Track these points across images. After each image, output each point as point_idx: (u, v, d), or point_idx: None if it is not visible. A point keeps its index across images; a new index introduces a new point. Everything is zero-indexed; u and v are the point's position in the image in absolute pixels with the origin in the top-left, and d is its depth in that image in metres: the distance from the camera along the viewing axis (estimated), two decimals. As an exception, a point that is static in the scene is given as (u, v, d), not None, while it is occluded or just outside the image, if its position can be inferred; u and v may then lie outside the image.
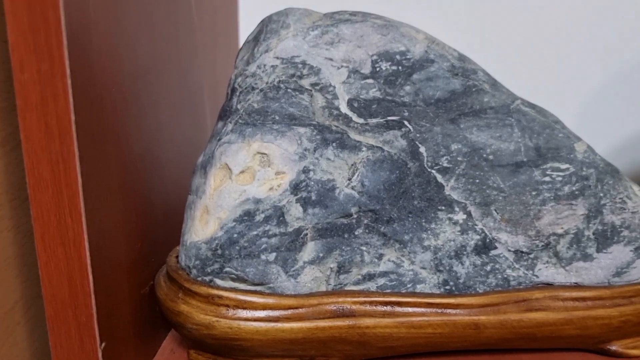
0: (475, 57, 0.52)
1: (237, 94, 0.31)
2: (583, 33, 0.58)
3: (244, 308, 0.30)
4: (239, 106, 0.30)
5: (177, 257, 0.32)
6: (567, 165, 0.31)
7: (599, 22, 0.57)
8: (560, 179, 0.31)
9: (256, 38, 0.32)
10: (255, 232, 0.29)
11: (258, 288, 0.30)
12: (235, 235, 0.29)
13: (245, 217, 0.29)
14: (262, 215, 0.29)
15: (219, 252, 0.29)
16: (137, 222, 0.30)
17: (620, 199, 0.32)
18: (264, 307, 0.30)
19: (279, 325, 0.30)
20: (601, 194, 0.31)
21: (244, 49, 0.33)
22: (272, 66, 0.30)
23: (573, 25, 0.57)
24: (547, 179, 0.31)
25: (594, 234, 0.32)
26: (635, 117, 0.60)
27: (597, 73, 0.59)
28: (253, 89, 0.30)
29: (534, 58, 0.58)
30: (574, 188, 0.31)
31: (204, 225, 0.30)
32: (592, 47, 0.58)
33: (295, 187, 0.30)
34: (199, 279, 0.30)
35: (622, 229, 0.32)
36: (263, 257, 0.29)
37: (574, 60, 0.59)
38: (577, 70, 0.58)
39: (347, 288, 0.31)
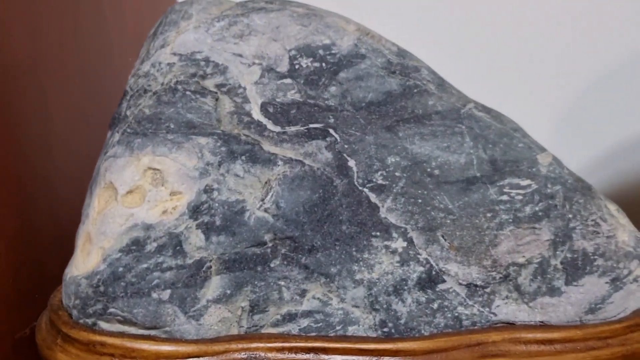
0: (450, 62, 0.46)
1: (128, 98, 0.26)
2: (563, 35, 0.52)
3: (132, 357, 0.24)
4: (128, 112, 0.25)
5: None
6: (528, 182, 0.26)
7: (580, 24, 0.52)
8: (520, 197, 0.26)
9: (155, 32, 0.26)
10: (145, 265, 0.24)
11: (152, 332, 0.25)
12: (120, 269, 0.24)
13: (133, 247, 0.24)
14: (154, 245, 0.24)
15: (102, 289, 0.24)
16: (7, 252, 0.25)
17: (592, 220, 0.26)
18: (157, 356, 0.24)
19: (175, 379, 0.24)
20: (570, 216, 0.26)
21: (144, 45, 0.27)
22: (169, 64, 0.25)
23: (553, 27, 0.52)
24: (504, 197, 0.26)
25: (562, 263, 0.26)
26: (619, 124, 0.54)
27: (577, 77, 0.54)
28: (145, 91, 0.25)
29: (508, 62, 0.53)
30: (537, 209, 0.26)
31: (85, 256, 0.25)
32: (573, 50, 0.53)
33: (194, 210, 0.24)
34: (81, 321, 0.25)
35: (596, 256, 0.26)
36: (155, 295, 0.24)
37: (551, 63, 0.53)
38: (555, 74, 0.53)
39: (264, 331, 0.26)
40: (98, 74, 0.31)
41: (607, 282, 0.27)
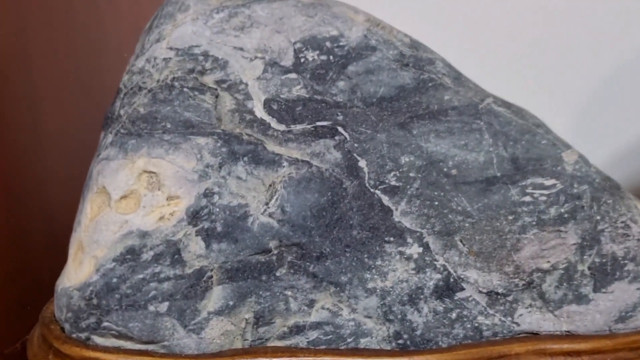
0: (464, 59, 0.44)
1: (121, 96, 0.24)
2: (578, 31, 0.51)
3: (128, 375, 0.22)
4: (121, 112, 0.23)
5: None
6: (553, 181, 0.24)
7: (593, 20, 0.50)
8: (544, 198, 0.24)
9: (150, 26, 0.25)
10: (141, 276, 0.22)
11: (149, 347, 0.23)
12: (114, 280, 0.22)
13: (128, 256, 0.22)
14: (151, 253, 0.22)
15: (95, 301, 0.22)
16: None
17: (622, 222, 0.24)
18: (155, 373, 0.22)
19: (174, 397, 0.22)
20: (598, 217, 0.24)
21: (139, 40, 0.26)
22: (165, 59, 0.23)
23: (567, 24, 0.50)
24: (527, 198, 0.24)
25: (589, 268, 0.24)
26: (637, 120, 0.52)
27: (595, 72, 0.52)
28: (140, 89, 0.23)
29: (524, 59, 0.51)
30: (562, 210, 0.24)
31: (77, 266, 0.23)
32: (589, 45, 0.51)
33: (194, 216, 0.23)
34: (73, 335, 0.23)
35: (626, 261, 0.24)
36: (152, 307, 0.22)
37: (569, 59, 0.51)
38: (573, 69, 0.51)
39: (270, 344, 0.24)
40: (92, 71, 0.29)
41: (638, 289, 0.25)
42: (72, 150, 0.29)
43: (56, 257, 0.29)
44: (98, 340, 0.24)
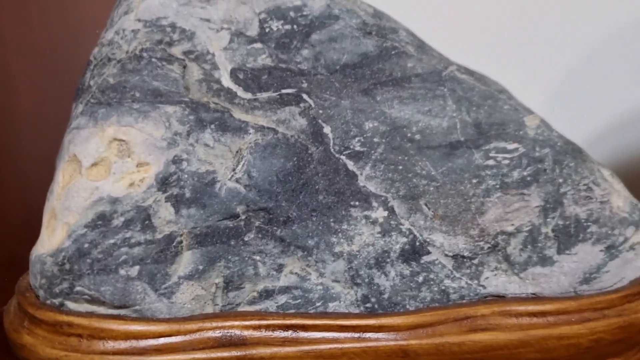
0: (439, 41, 0.45)
1: (91, 67, 0.25)
2: (553, 11, 0.51)
3: (101, 338, 0.24)
4: (91, 82, 0.24)
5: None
6: (515, 145, 0.25)
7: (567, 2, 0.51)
8: (507, 162, 0.25)
9: (120, 0, 0.26)
10: (112, 241, 0.23)
11: (122, 312, 0.24)
12: (86, 245, 0.23)
13: (100, 222, 0.23)
14: (122, 219, 0.23)
15: (67, 267, 0.23)
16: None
17: (585, 185, 0.25)
18: (127, 336, 0.24)
19: (145, 359, 0.23)
20: (560, 180, 0.25)
21: (110, 14, 0.27)
22: (133, 31, 0.24)
23: (541, 6, 0.51)
24: (490, 162, 0.25)
25: (553, 231, 0.25)
26: (614, 100, 0.53)
27: (571, 53, 0.53)
28: (110, 60, 0.24)
29: (499, 40, 0.52)
30: (525, 173, 0.25)
31: (50, 233, 0.24)
32: (564, 26, 0.52)
33: (163, 182, 0.24)
34: (48, 302, 0.24)
35: (589, 223, 0.25)
36: (123, 271, 0.23)
37: (543, 40, 0.52)
38: (548, 51, 0.52)
39: (240, 309, 0.25)
40: (67, 48, 0.30)
41: (601, 250, 0.26)
42: (47, 126, 0.30)
43: (33, 232, 0.30)
44: (71, 305, 0.25)
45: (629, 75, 0.53)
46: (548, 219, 0.26)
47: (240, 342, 0.25)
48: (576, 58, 0.54)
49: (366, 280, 0.26)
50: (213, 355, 0.25)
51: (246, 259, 0.25)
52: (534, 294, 0.27)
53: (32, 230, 0.30)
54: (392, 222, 0.26)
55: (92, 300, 0.24)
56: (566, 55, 0.53)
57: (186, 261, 0.25)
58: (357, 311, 0.26)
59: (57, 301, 0.25)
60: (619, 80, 0.53)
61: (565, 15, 0.52)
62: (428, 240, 0.26)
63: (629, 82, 0.53)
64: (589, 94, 0.54)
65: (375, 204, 0.25)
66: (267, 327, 0.25)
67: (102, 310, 0.25)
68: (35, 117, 0.28)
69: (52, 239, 0.25)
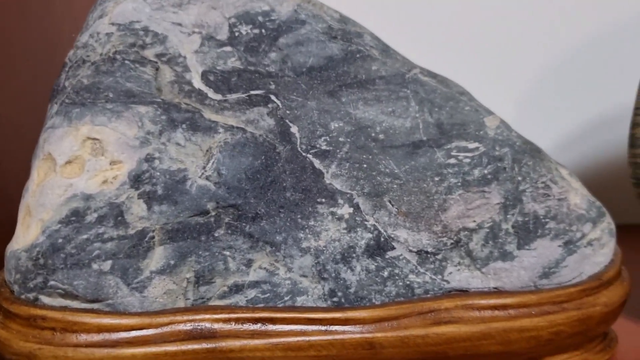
0: (406, 45, 0.47)
1: (67, 69, 0.26)
2: (522, 15, 0.53)
3: (74, 331, 0.25)
4: (66, 83, 0.26)
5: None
6: (476, 144, 0.26)
7: (539, 6, 0.53)
8: (468, 160, 0.26)
9: (95, 4, 0.27)
10: (85, 236, 0.24)
11: (95, 306, 0.25)
12: (60, 241, 0.24)
13: (73, 218, 0.24)
14: (95, 215, 0.24)
15: (41, 261, 0.24)
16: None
17: (543, 183, 0.27)
18: (99, 329, 0.25)
19: (117, 351, 0.25)
20: (519, 178, 0.26)
21: (86, 19, 0.28)
22: (107, 34, 0.26)
23: (511, 7, 0.53)
24: (452, 161, 0.26)
25: (513, 227, 0.27)
26: (581, 108, 0.55)
27: (538, 59, 0.54)
28: (84, 62, 0.26)
29: (468, 45, 0.54)
30: (485, 171, 0.26)
31: (25, 229, 0.25)
32: (533, 31, 0.54)
33: (136, 180, 0.25)
34: (22, 296, 0.25)
35: (547, 219, 0.27)
36: (95, 266, 0.24)
37: (512, 45, 0.54)
38: (516, 56, 0.54)
39: (211, 303, 0.26)
40: (44, 53, 0.32)
41: (560, 246, 0.28)
42: (25, 129, 0.31)
43: (9, 232, 0.31)
44: (45, 300, 0.26)
45: (596, 80, 0.55)
46: (508, 216, 0.27)
47: (211, 335, 0.26)
48: (543, 64, 0.55)
49: (333, 274, 0.27)
50: (184, 347, 0.25)
51: (216, 254, 0.26)
52: (495, 288, 0.28)
53: (9, 231, 0.31)
54: (357, 219, 0.27)
55: (66, 294, 0.25)
56: (533, 61, 0.55)
57: (158, 256, 0.26)
58: (324, 305, 0.27)
59: (31, 295, 0.26)
60: (584, 86, 0.55)
61: (533, 21, 0.54)
62: (392, 236, 0.27)
63: (595, 87, 0.55)
64: (556, 100, 0.55)
65: (340, 201, 0.27)
66: (237, 320, 0.26)
67: (75, 304, 0.26)
68: (12, 120, 0.29)
69: (26, 235, 0.25)
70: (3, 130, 0.29)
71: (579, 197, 0.28)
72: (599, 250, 0.28)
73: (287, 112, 0.26)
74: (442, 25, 0.55)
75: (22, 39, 0.30)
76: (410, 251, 0.27)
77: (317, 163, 0.27)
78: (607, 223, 0.29)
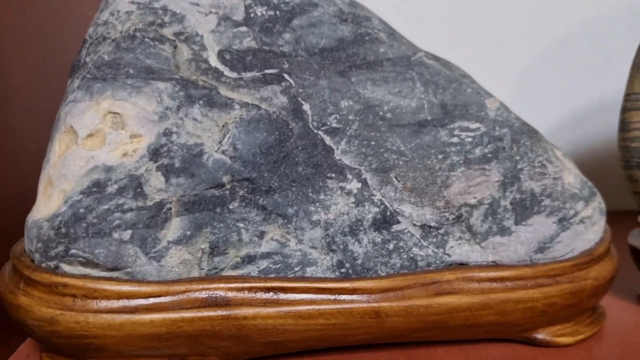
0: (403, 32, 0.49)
1: (87, 45, 0.27)
2: (514, 3, 0.55)
3: (94, 298, 0.26)
4: (87, 59, 0.27)
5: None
6: (477, 125, 0.28)
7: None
8: (470, 139, 0.28)
9: (114, -16, 0.28)
10: (106, 206, 0.26)
11: (114, 274, 0.26)
12: (81, 210, 0.25)
13: (94, 189, 0.26)
14: (115, 186, 0.26)
15: (63, 230, 0.25)
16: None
17: (539, 162, 0.28)
18: (119, 296, 0.26)
19: (136, 317, 0.26)
20: (517, 157, 0.28)
21: (104, -2, 0.29)
22: (127, 12, 0.27)
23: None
24: (455, 140, 0.28)
25: (511, 203, 0.28)
26: (574, 94, 0.57)
27: (532, 47, 0.56)
28: (105, 39, 0.27)
29: (461, 33, 0.56)
30: (486, 150, 0.28)
31: (47, 200, 0.26)
32: (526, 19, 0.56)
33: (154, 153, 0.26)
34: (43, 265, 0.26)
35: (543, 197, 0.28)
36: (116, 235, 0.26)
37: (505, 33, 0.56)
38: (511, 44, 0.56)
39: (224, 273, 0.28)
40: (58, 30, 0.33)
41: (554, 222, 0.29)
42: (39, 104, 0.32)
43: (26, 205, 0.32)
44: (66, 268, 0.27)
45: (588, 68, 0.57)
46: (507, 193, 0.29)
47: (225, 303, 0.27)
48: (536, 52, 0.57)
49: (341, 246, 0.28)
50: (200, 314, 0.27)
51: (230, 226, 0.28)
52: (494, 261, 0.30)
53: (25, 204, 0.32)
54: (365, 193, 0.28)
55: (86, 263, 0.27)
56: (526, 49, 0.57)
57: (175, 227, 0.27)
58: (332, 276, 0.29)
59: (52, 264, 0.27)
60: (577, 73, 0.57)
61: (525, 9, 0.56)
62: (398, 210, 0.29)
63: (588, 75, 0.57)
64: (549, 87, 0.58)
65: (349, 176, 0.28)
66: (250, 289, 0.28)
67: (95, 272, 0.27)
68: (27, 95, 0.30)
69: (48, 205, 0.27)
70: (18, 111, 0.30)
71: (572, 177, 0.30)
72: (590, 228, 0.30)
73: (300, 90, 0.28)
74: (436, 14, 0.57)
75: (35, 16, 0.31)
76: (415, 225, 0.29)
77: (327, 140, 0.28)
78: (598, 202, 0.31)
